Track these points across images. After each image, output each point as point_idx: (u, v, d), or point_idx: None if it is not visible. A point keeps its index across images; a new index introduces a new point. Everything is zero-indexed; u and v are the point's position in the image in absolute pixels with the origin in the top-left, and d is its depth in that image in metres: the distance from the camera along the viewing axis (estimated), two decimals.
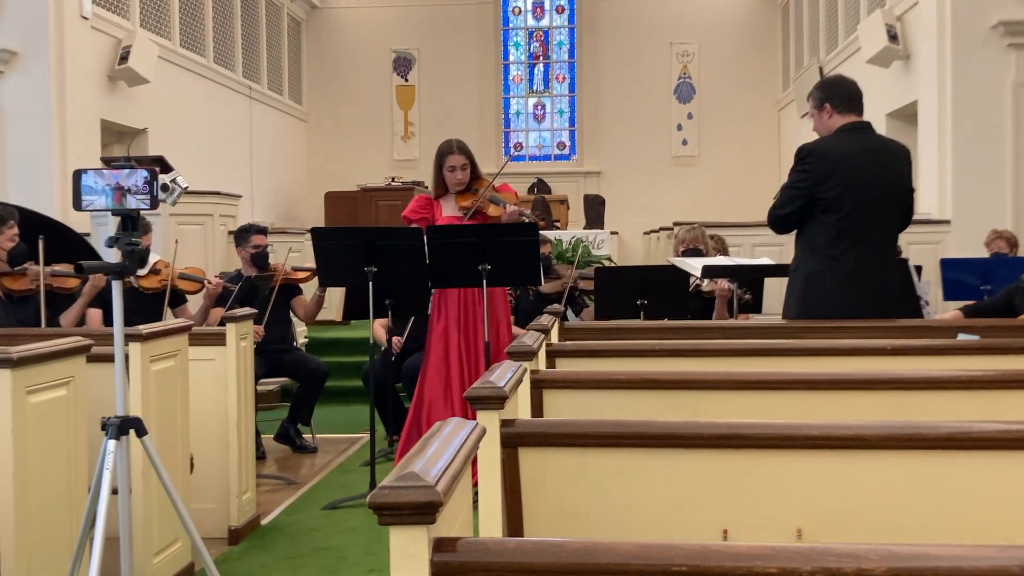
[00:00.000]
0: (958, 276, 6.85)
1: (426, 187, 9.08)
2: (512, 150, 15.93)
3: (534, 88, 16.12)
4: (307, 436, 6.72)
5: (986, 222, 7.91)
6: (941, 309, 7.54)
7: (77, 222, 7.31)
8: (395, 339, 6.54)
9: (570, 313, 6.73)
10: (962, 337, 3.98)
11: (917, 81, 9.24)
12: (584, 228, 12.76)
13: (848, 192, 4.32)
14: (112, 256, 3.11)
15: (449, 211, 5.46)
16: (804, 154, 4.44)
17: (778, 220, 4.57)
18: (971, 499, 2.14)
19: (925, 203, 8.98)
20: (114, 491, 3.11)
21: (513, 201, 5.50)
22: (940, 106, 8.62)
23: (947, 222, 8.44)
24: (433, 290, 5.52)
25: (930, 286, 7.44)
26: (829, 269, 4.36)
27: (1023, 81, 8.33)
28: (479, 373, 5.29)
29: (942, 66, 8.57)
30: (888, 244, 4.56)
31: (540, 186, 13.92)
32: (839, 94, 4.50)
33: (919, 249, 8.03)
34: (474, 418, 2.07)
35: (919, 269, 6.59)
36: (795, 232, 4.61)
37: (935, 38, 8.63)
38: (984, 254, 7.32)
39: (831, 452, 2.19)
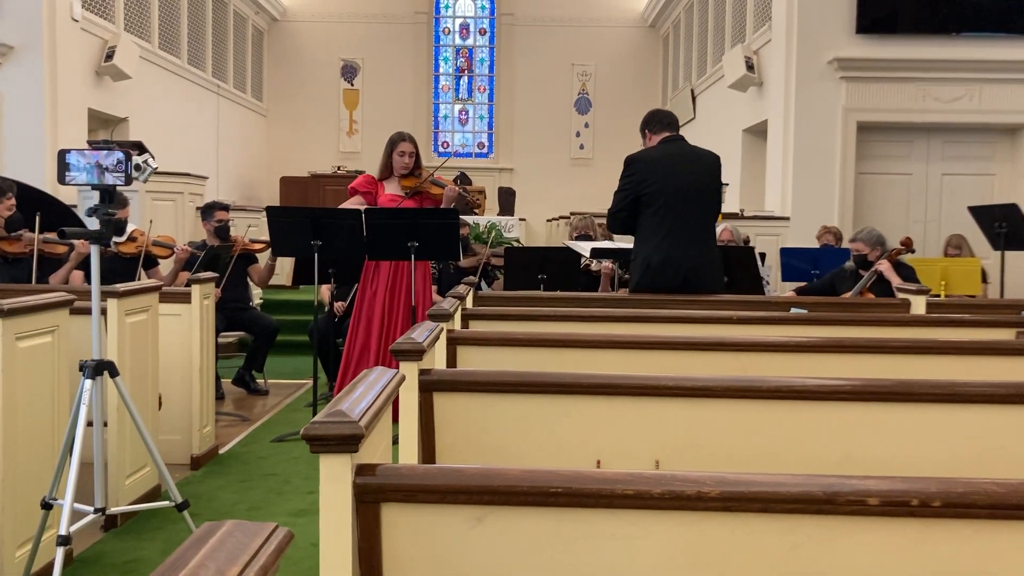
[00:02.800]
0: (794, 262, 6.99)
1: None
2: (441, 148, 15.81)
3: (459, 96, 15.98)
4: (260, 381, 6.64)
5: (818, 219, 8.09)
6: (780, 289, 7.73)
7: (66, 195, 7.05)
8: (337, 304, 6.47)
9: (484, 284, 6.74)
10: (794, 311, 4.08)
11: (768, 104, 9.37)
12: (498, 215, 12.74)
13: (662, 189, 4.43)
14: (93, 224, 3.02)
15: (392, 190, 5.44)
16: (629, 161, 4.57)
17: (613, 219, 4.63)
18: (791, 438, 2.18)
19: (770, 202, 9.19)
20: (90, 423, 3.03)
21: (450, 184, 5.52)
22: (785, 125, 8.76)
23: (787, 218, 8.61)
24: (367, 260, 5.48)
25: (771, 270, 7.60)
26: (654, 253, 4.44)
27: (851, 107, 8.53)
28: (400, 331, 5.29)
29: (787, 93, 8.72)
30: (702, 230, 4.57)
31: (463, 178, 13.78)
32: (652, 120, 4.68)
33: (764, 240, 8.21)
34: (397, 368, 2.07)
35: (763, 256, 6.71)
36: None
37: (783, 70, 8.77)
38: (816, 245, 7.50)
39: (684, 400, 2.22)
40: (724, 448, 2.19)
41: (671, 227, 4.43)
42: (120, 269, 5.45)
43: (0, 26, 7.96)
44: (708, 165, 4.61)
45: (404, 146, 5.41)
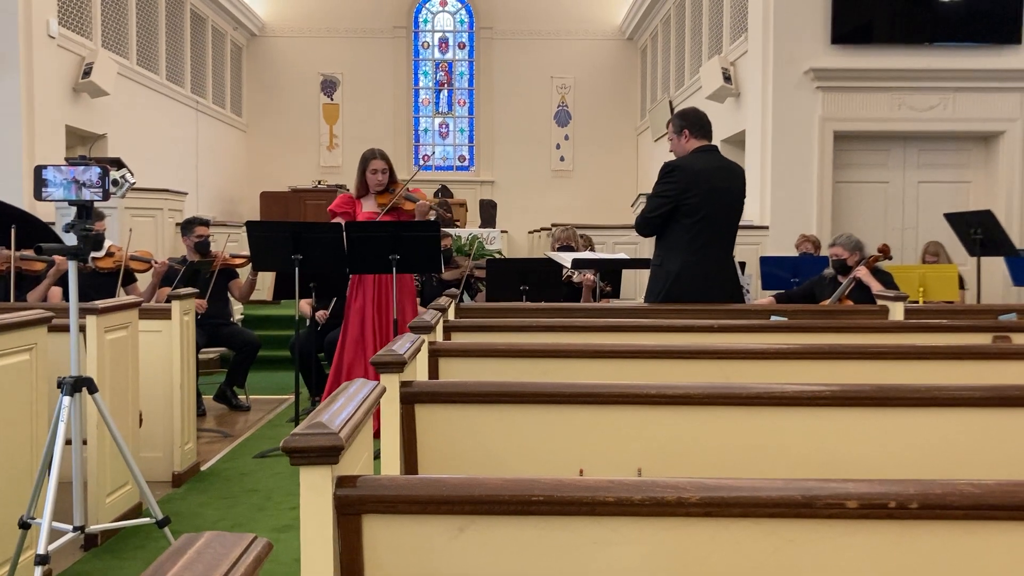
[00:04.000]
0: (773, 270, 7.04)
1: (347, 189, 8.97)
2: (421, 161, 15.82)
3: (440, 110, 16.00)
4: (242, 397, 6.59)
5: (796, 228, 8.17)
6: (759, 296, 7.77)
7: (44, 213, 6.99)
8: (319, 312, 6.46)
9: (466, 296, 6.74)
10: (774, 319, 4.10)
11: (745, 114, 9.44)
12: (480, 227, 12.75)
13: (703, 201, 4.38)
14: (70, 240, 3.00)
15: (369, 207, 5.43)
16: (671, 168, 4.46)
17: (648, 223, 4.52)
18: (771, 444, 2.19)
19: (749, 212, 9.20)
20: (69, 441, 3.00)
21: (424, 199, 5.51)
22: (762, 135, 8.83)
23: (766, 227, 8.66)
24: (351, 275, 5.47)
25: (751, 278, 7.66)
26: (688, 265, 4.41)
27: (827, 117, 8.61)
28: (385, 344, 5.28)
29: (764, 103, 8.79)
30: (730, 246, 4.62)
31: (444, 191, 13.83)
32: (695, 123, 4.58)
33: (743, 249, 8.22)
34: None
35: (743, 265, 6.76)
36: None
37: (760, 81, 8.84)
38: (794, 253, 7.55)
39: (666, 408, 2.22)
40: (706, 455, 2.19)
41: (707, 240, 4.41)
42: (99, 285, 5.42)
43: None
44: (740, 180, 4.61)
45: (376, 164, 5.39)
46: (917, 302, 5.94)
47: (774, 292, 6.41)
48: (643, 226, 4.59)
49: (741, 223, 9.01)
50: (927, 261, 6.99)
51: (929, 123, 8.61)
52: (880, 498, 1.33)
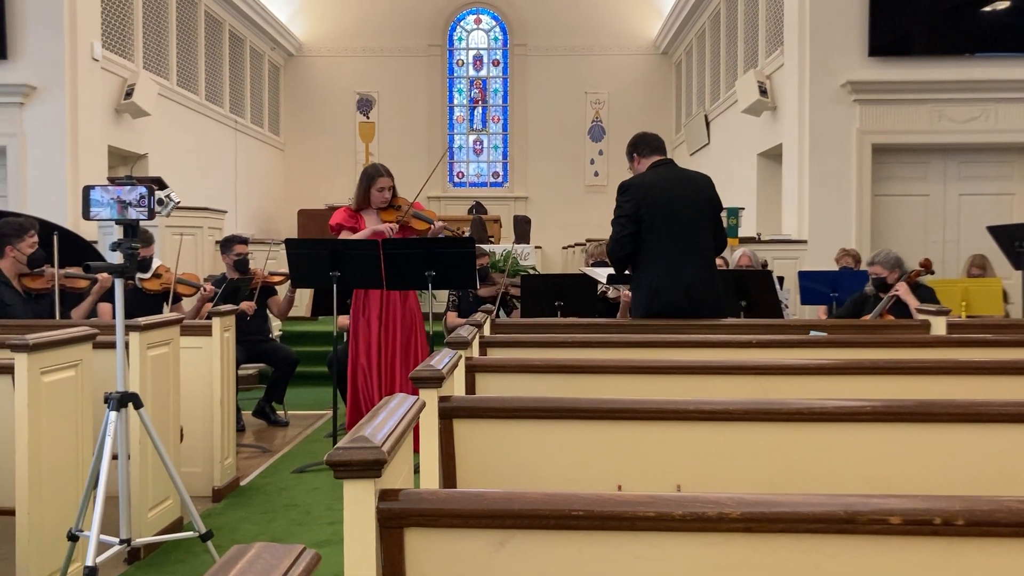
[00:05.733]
0: (812, 285, 6.97)
1: None
2: (456, 178, 15.93)
3: (474, 127, 16.12)
4: (280, 412, 6.66)
5: (835, 242, 8.10)
6: (798, 312, 7.71)
7: (86, 231, 7.15)
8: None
9: (502, 313, 6.76)
10: (813, 334, 4.07)
11: (782, 128, 9.39)
12: (514, 243, 12.79)
13: (659, 213, 4.43)
14: (116, 259, 3.07)
15: (371, 223, 5.42)
16: (624, 188, 4.54)
17: (616, 245, 4.53)
18: (811, 461, 2.17)
19: (787, 226, 9.18)
20: (114, 456, 3.06)
21: (435, 218, 5.52)
22: (800, 148, 8.78)
23: (804, 242, 8.60)
24: (355, 290, 5.45)
25: (790, 293, 7.59)
26: (656, 275, 4.44)
27: (866, 129, 8.55)
28: (399, 358, 5.30)
29: (801, 116, 8.74)
30: (700, 250, 4.54)
31: (478, 208, 13.90)
32: (641, 144, 4.69)
33: (781, 263, 8.21)
34: (416, 394, 2.08)
35: (781, 280, 6.71)
36: None
37: (796, 94, 8.80)
38: (834, 268, 7.48)
39: (705, 424, 2.21)
40: (745, 472, 2.18)
41: (669, 248, 4.44)
42: (144, 305, 5.51)
43: (24, 68, 8.15)
44: (700, 186, 4.62)
45: (383, 181, 5.37)
46: (960, 317, 5.85)
47: (815, 308, 6.35)
48: (614, 249, 4.59)
49: (779, 237, 9.01)
50: (972, 275, 6.87)
51: (970, 135, 8.51)
52: (925, 514, 1.31)
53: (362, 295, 5.44)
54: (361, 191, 5.44)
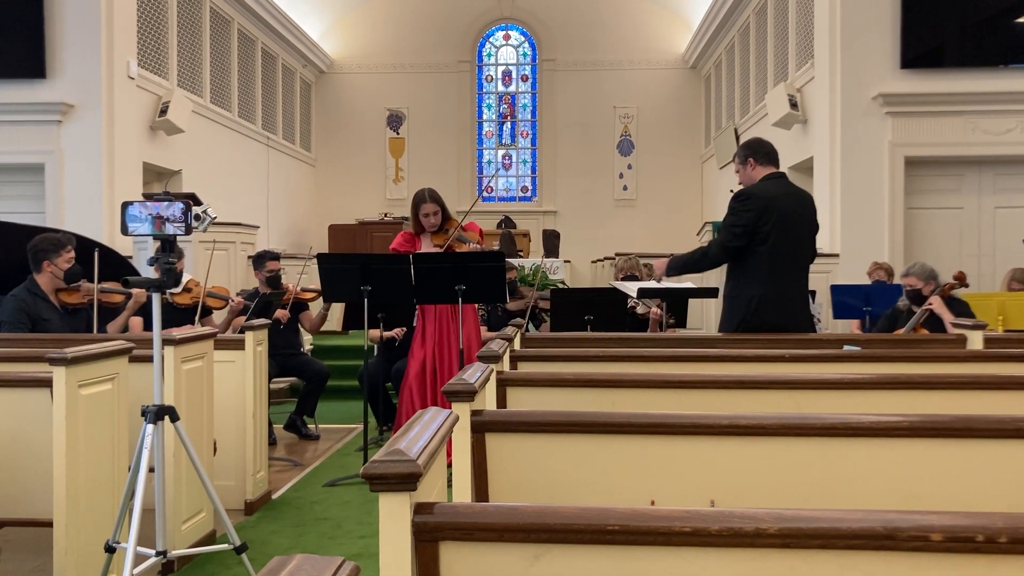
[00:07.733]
0: (845, 299, 6.92)
1: None
2: (485, 193, 15.98)
3: (503, 141, 16.18)
4: (311, 426, 6.69)
5: (867, 255, 8.02)
6: (831, 326, 7.63)
7: (121, 247, 7.25)
8: (397, 330, 6.54)
9: (531, 326, 6.76)
10: (847, 348, 4.03)
11: (813, 141, 9.33)
12: (543, 257, 12.77)
13: (776, 227, 4.36)
14: (152, 274, 3.11)
15: (426, 247, 5.52)
16: (746, 196, 4.42)
17: (726, 251, 4.45)
18: (846, 476, 2.15)
19: (819, 239, 9.08)
20: (151, 469, 3.09)
21: (476, 240, 5.56)
22: (831, 161, 8.71)
23: (836, 255, 8.51)
24: (417, 306, 5.55)
25: (822, 307, 7.53)
26: (769, 293, 4.37)
27: (898, 142, 8.46)
28: (451, 374, 5.32)
29: (832, 129, 8.68)
30: (804, 272, 4.59)
31: (507, 222, 13.93)
32: (759, 151, 4.57)
33: (814, 277, 7.98)
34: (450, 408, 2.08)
35: (813, 293, 6.66)
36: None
37: (827, 107, 8.74)
38: (867, 281, 7.41)
39: (738, 438, 2.19)
40: (780, 487, 2.16)
41: (782, 266, 4.39)
42: (173, 317, 5.58)
43: (62, 86, 8.31)
44: (809, 204, 4.59)
45: (427, 207, 5.48)
46: (996, 331, 5.76)
47: (849, 322, 6.28)
48: (722, 255, 4.49)
49: None
50: (1013, 289, 6.76)
51: (1005, 147, 8.39)
52: (966, 531, 1.30)
53: (421, 314, 5.52)
54: (412, 217, 5.57)
